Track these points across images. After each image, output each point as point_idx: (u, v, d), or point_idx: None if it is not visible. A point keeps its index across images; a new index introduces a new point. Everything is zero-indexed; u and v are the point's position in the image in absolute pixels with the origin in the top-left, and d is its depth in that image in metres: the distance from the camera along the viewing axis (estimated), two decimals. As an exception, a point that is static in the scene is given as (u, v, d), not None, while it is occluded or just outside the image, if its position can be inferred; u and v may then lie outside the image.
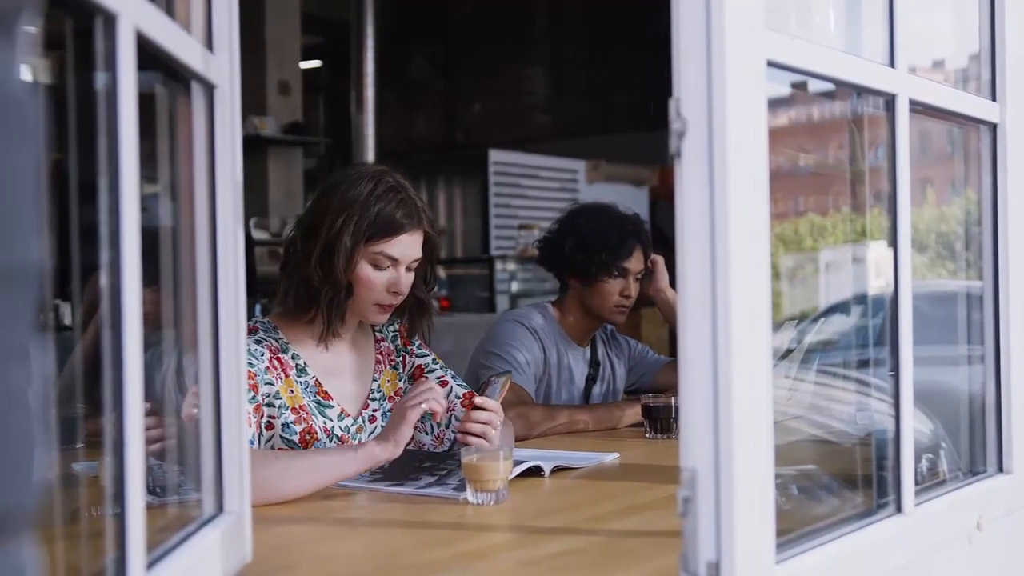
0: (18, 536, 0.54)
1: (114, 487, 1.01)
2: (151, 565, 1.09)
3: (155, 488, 1.36)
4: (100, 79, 1.01)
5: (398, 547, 1.63)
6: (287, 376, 2.19)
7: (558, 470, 2.17)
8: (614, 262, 2.96)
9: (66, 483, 1.33)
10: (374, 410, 2.33)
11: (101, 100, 1.01)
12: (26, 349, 0.55)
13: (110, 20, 0.99)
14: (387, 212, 2.17)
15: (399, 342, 2.42)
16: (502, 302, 7.24)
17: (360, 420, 2.29)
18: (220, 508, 1.37)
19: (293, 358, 2.22)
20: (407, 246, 2.21)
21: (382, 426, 2.30)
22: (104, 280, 1.00)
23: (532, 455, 2.21)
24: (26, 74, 0.56)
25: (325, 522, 1.80)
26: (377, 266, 2.20)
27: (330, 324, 2.23)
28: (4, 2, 0.54)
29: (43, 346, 0.57)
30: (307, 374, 2.23)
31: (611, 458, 2.34)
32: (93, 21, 0.99)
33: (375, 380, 2.35)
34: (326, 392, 2.24)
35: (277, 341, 2.22)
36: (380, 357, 2.38)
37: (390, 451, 1.98)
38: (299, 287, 2.21)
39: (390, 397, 2.36)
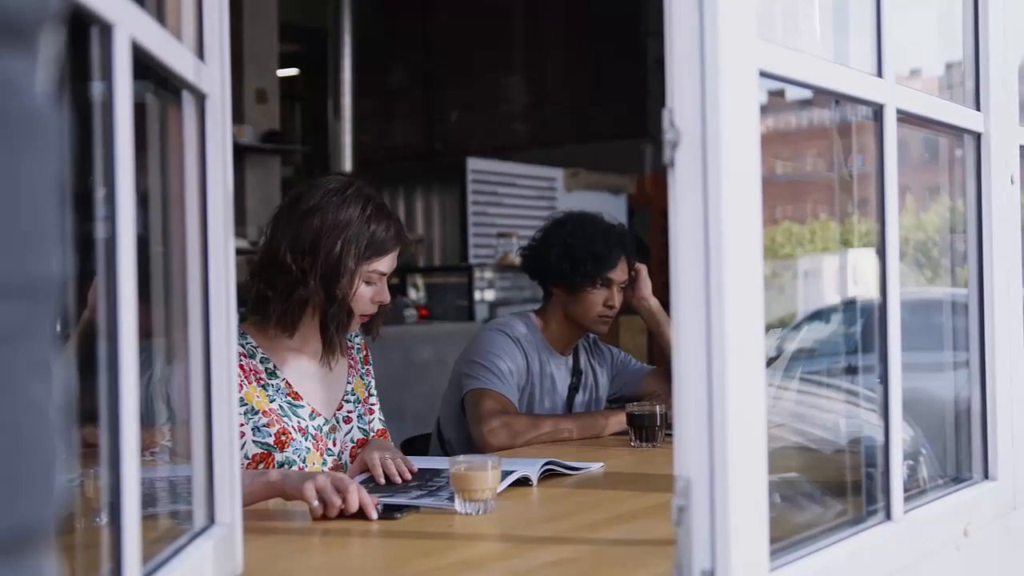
0: (40, 549, 0.54)
1: (110, 498, 1.00)
2: (145, 577, 1.08)
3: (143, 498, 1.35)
4: (95, 88, 1.00)
5: (388, 558, 1.63)
6: (250, 382, 2.20)
7: (547, 476, 2.18)
8: (599, 272, 2.95)
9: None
10: (348, 411, 2.38)
11: (96, 109, 1.00)
12: (48, 363, 0.54)
13: (106, 30, 0.99)
14: (381, 232, 2.26)
15: (361, 355, 2.49)
16: (481, 311, 7.23)
17: (334, 420, 2.34)
18: (212, 520, 1.36)
19: (262, 362, 2.26)
20: (393, 260, 2.31)
21: (358, 427, 2.38)
22: (99, 290, 1.00)
23: (518, 464, 2.21)
24: (46, 87, 0.56)
25: (315, 533, 1.79)
26: (369, 282, 2.27)
27: (339, 344, 2.30)
28: (26, 16, 0.54)
29: (62, 359, 0.56)
30: (278, 377, 2.27)
31: (597, 467, 2.35)
32: (88, 30, 0.99)
33: (349, 383, 2.41)
34: (296, 393, 2.28)
35: (244, 346, 2.24)
36: (352, 363, 2.44)
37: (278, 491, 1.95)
38: (296, 307, 2.24)
39: (363, 401, 2.42)
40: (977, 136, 1.81)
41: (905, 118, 1.58)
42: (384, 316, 2.41)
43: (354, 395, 2.41)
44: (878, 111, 1.52)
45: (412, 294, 7.42)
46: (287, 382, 2.27)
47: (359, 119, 8.63)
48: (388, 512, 1.84)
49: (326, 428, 2.31)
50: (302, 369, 2.32)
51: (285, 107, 8.53)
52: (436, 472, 2.18)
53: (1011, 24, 1.85)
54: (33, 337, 0.53)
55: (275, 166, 7.91)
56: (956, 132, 1.83)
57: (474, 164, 8.02)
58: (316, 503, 1.80)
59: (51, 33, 0.58)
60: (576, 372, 3.13)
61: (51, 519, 0.55)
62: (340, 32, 8.44)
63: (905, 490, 1.55)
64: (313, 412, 2.29)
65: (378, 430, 2.45)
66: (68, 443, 0.58)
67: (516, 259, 3.11)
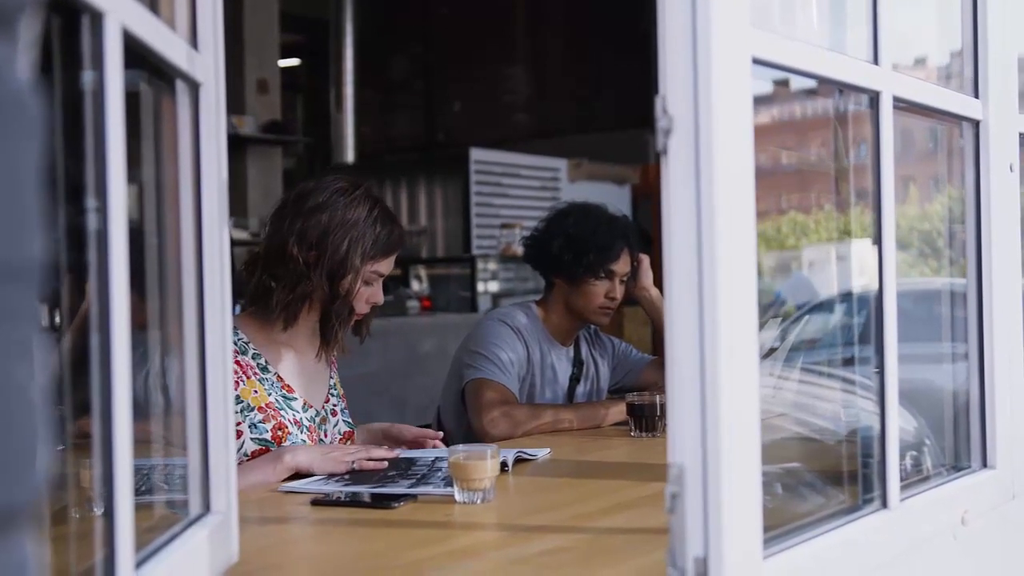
0: (21, 531, 0.54)
1: (103, 487, 1.00)
2: (139, 564, 1.08)
3: (139, 487, 1.36)
4: (86, 77, 1.00)
5: (385, 546, 1.63)
6: (248, 377, 2.22)
7: (519, 462, 2.21)
8: (601, 264, 2.95)
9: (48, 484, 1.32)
10: (334, 404, 2.43)
11: (87, 98, 1.00)
12: (30, 345, 0.55)
13: (97, 18, 0.98)
14: (385, 235, 2.29)
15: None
16: (484, 302, 7.23)
17: (323, 412, 2.38)
18: (207, 508, 1.36)
19: (254, 357, 2.28)
20: (392, 263, 2.35)
21: (344, 420, 2.43)
22: (91, 281, 1.00)
23: (503, 453, 2.21)
24: (27, 71, 0.56)
25: (311, 522, 1.79)
26: (367, 282, 2.30)
27: (339, 338, 2.33)
28: (5, 1, 0.54)
29: (45, 342, 0.57)
30: (269, 371, 2.29)
31: (543, 453, 2.36)
32: (79, 19, 0.99)
33: (332, 378, 2.45)
34: (289, 386, 2.31)
35: (236, 343, 2.25)
36: (332, 360, 2.48)
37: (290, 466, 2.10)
38: (299, 300, 2.26)
39: (341, 397, 2.47)
40: (976, 124, 1.81)
41: (902, 106, 1.58)
42: (373, 317, 2.43)
43: (336, 390, 2.46)
44: (874, 98, 1.52)
45: (415, 285, 7.42)
46: (279, 376, 2.30)
47: (361, 110, 8.63)
48: (385, 501, 1.85)
49: (317, 420, 2.35)
50: (291, 363, 2.34)
51: (287, 98, 8.53)
52: (411, 461, 2.19)
53: (1010, 11, 1.84)
54: (14, 319, 0.53)
55: (277, 157, 7.91)
56: (954, 120, 1.82)
57: (477, 155, 8.01)
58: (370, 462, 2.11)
59: (31, 18, 0.58)
60: (578, 362, 3.13)
61: (33, 500, 0.55)
62: (342, 22, 8.45)
63: (903, 479, 1.55)
64: (305, 404, 2.32)
65: (345, 431, 2.47)
66: (50, 425, 0.58)
67: (519, 250, 3.10)
